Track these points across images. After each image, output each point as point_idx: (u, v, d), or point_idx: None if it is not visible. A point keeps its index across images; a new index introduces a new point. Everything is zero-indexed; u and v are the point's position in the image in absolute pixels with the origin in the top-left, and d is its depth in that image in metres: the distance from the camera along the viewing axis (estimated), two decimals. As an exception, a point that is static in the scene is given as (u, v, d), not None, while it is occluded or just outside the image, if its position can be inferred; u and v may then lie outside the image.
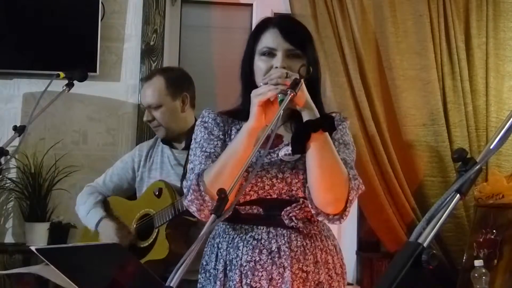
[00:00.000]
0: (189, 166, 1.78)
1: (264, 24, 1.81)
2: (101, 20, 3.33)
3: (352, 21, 3.36)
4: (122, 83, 3.44)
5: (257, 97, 1.59)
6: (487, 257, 2.91)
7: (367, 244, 3.55)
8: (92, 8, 3.31)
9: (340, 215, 1.69)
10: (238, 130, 1.78)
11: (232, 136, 1.79)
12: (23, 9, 3.30)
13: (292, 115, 1.76)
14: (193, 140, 1.83)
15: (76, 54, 3.29)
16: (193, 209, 1.69)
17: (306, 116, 1.63)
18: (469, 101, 3.45)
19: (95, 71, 3.28)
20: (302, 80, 1.56)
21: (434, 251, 1.01)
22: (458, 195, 1.07)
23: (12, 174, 3.30)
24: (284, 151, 1.74)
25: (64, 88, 2.40)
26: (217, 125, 1.81)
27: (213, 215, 1.26)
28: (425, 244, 1.01)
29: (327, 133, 1.63)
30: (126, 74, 3.43)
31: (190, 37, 3.65)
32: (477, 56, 3.48)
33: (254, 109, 1.59)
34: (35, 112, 2.26)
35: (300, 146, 1.63)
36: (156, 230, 2.53)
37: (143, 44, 3.42)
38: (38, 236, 3.21)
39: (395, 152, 3.37)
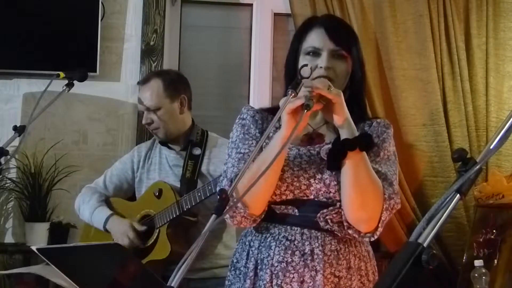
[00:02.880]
0: (223, 167, 1.76)
1: (310, 23, 1.78)
2: (101, 20, 3.34)
3: (352, 21, 3.36)
4: (122, 83, 3.44)
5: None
6: (487, 257, 2.91)
7: (367, 244, 3.54)
8: (92, 8, 3.31)
9: (372, 234, 1.68)
10: (276, 129, 1.73)
11: (270, 135, 1.75)
12: (23, 9, 3.30)
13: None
14: (230, 139, 1.81)
15: (76, 54, 3.30)
16: (225, 215, 1.68)
17: (344, 134, 1.61)
18: (469, 101, 3.45)
19: (95, 71, 3.28)
20: (303, 81, 1.54)
21: (434, 251, 1.01)
22: (458, 195, 1.07)
23: (12, 174, 3.30)
24: (326, 148, 1.70)
25: (64, 88, 2.40)
26: (255, 122, 1.79)
27: (213, 215, 1.26)
28: (425, 244, 1.01)
29: (364, 152, 1.62)
30: (126, 74, 3.43)
31: (190, 37, 3.65)
32: (477, 56, 3.48)
33: (284, 118, 1.57)
34: (35, 112, 2.26)
35: (335, 163, 1.63)
36: (157, 230, 2.53)
37: (143, 44, 3.42)
38: (38, 236, 3.21)
39: (395, 152, 3.37)
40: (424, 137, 3.43)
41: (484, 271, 2.42)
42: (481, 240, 3.02)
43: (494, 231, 2.98)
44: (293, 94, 1.48)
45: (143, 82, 2.67)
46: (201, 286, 2.51)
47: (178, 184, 2.57)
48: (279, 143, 1.57)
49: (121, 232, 2.55)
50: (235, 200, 1.45)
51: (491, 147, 1.11)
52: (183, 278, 1.20)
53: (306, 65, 1.61)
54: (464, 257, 3.11)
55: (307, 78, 1.55)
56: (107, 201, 2.71)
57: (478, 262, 2.45)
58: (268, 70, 3.60)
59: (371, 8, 3.43)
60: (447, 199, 1.06)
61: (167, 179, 2.59)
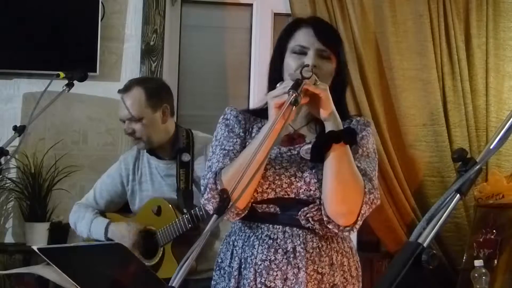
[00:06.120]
0: (207, 163, 1.78)
1: (297, 23, 1.81)
2: (101, 20, 3.33)
3: (352, 21, 3.36)
4: (122, 83, 3.39)
5: (273, 100, 1.60)
6: (487, 257, 2.92)
7: (367, 244, 3.55)
8: (92, 8, 3.31)
9: (351, 227, 1.69)
10: (259, 128, 1.79)
11: (253, 134, 1.80)
12: (23, 9, 3.30)
13: (316, 117, 1.74)
14: (213, 138, 1.84)
15: (76, 54, 3.29)
16: (209, 207, 1.70)
17: (329, 127, 1.64)
18: (469, 101, 3.45)
19: (95, 71, 3.28)
20: (305, 81, 1.55)
21: (434, 251, 1.01)
22: (458, 195, 1.07)
23: (12, 174, 3.30)
24: (306, 149, 1.73)
25: (64, 88, 2.40)
26: (238, 122, 1.82)
27: (214, 215, 1.26)
28: (425, 244, 1.01)
29: (347, 146, 1.64)
30: (126, 74, 3.43)
31: (190, 37, 3.65)
32: (477, 56, 3.48)
33: (272, 111, 1.60)
34: (35, 112, 2.26)
35: (319, 155, 1.65)
36: (161, 248, 2.51)
37: (143, 44, 3.42)
38: (38, 236, 3.20)
39: (395, 152, 3.38)
40: (424, 137, 3.43)
41: (484, 271, 2.42)
42: (481, 240, 3.02)
43: (494, 231, 2.99)
44: (294, 95, 1.48)
45: (124, 90, 2.58)
46: (201, 286, 2.51)
47: (173, 195, 2.53)
48: (265, 134, 1.58)
49: (121, 236, 2.51)
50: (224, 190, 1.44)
51: (491, 147, 1.11)
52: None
53: (307, 65, 1.62)
54: (464, 257, 3.11)
55: (308, 78, 1.56)
56: (102, 214, 2.66)
57: (478, 262, 2.45)
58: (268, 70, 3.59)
59: (371, 8, 3.43)
60: (447, 199, 1.06)
61: (161, 190, 2.55)
